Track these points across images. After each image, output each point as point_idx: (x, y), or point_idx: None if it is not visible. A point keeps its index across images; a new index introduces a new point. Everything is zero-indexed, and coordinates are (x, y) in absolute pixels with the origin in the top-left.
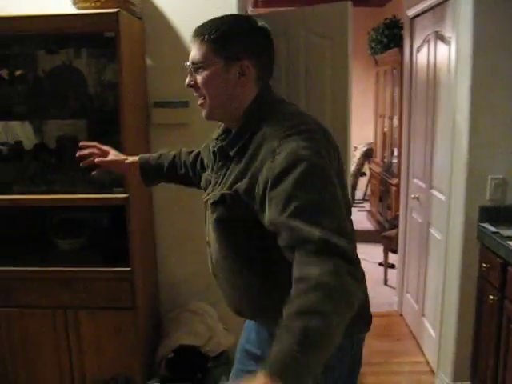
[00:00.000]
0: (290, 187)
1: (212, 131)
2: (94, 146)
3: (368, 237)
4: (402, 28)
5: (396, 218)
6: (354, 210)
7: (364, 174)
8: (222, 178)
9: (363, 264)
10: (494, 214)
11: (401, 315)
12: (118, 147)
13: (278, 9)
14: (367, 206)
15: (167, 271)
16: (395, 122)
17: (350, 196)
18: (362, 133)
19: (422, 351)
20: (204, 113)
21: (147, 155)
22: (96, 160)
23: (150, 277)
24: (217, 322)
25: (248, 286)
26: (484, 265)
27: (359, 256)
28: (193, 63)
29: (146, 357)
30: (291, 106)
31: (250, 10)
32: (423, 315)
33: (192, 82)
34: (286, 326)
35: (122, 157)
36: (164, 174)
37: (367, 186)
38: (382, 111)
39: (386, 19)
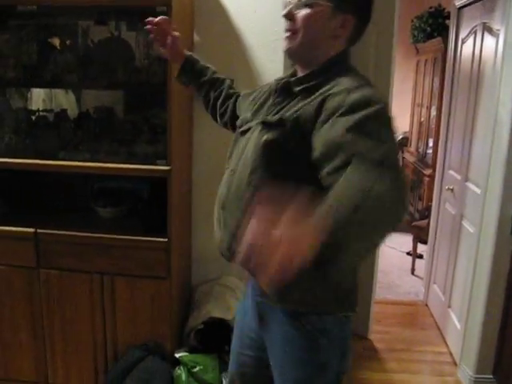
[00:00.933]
0: (360, 118)
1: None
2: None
3: None
4: (446, 17)
5: (427, 208)
6: None
7: None
8: (278, 111)
9: (392, 253)
10: None
11: (426, 305)
12: (163, 120)
13: None
14: None
15: (200, 244)
16: (433, 112)
17: None
18: (398, 122)
19: (446, 342)
20: (288, 46)
21: (197, 58)
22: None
23: (184, 249)
24: None
25: None
26: None
27: (387, 244)
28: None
29: (176, 326)
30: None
31: None
32: (449, 306)
33: (291, 15)
34: (339, 200)
35: (180, 46)
36: (199, 83)
37: None
38: (419, 100)
39: (430, 7)
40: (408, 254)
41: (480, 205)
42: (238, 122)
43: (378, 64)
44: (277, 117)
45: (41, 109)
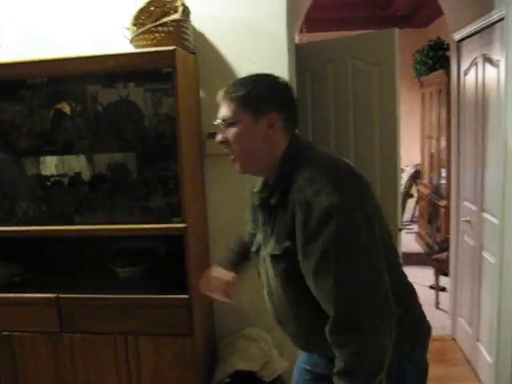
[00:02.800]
0: (322, 252)
1: None
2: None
3: (417, 259)
4: (446, 49)
5: (446, 240)
6: (402, 232)
7: (412, 196)
8: (273, 230)
9: (414, 287)
10: None
11: (454, 339)
12: (175, 177)
13: (321, 33)
14: (415, 227)
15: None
16: (442, 143)
17: (398, 218)
18: (408, 154)
19: (478, 377)
20: (238, 168)
21: (234, 257)
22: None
23: (206, 304)
24: (272, 347)
25: (316, 325)
26: None
27: (409, 279)
28: (223, 120)
29: (203, 382)
30: (319, 151)
31: (298, 39)
32: (478, 340)
33: (223, 139)
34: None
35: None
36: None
37: (415, 207)
38: (428, 132)
39: (430, 40)
40: (431, 287)
41: (498, 235)
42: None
43: (382, 101)
44: (282, 246)
45: (54, 174)
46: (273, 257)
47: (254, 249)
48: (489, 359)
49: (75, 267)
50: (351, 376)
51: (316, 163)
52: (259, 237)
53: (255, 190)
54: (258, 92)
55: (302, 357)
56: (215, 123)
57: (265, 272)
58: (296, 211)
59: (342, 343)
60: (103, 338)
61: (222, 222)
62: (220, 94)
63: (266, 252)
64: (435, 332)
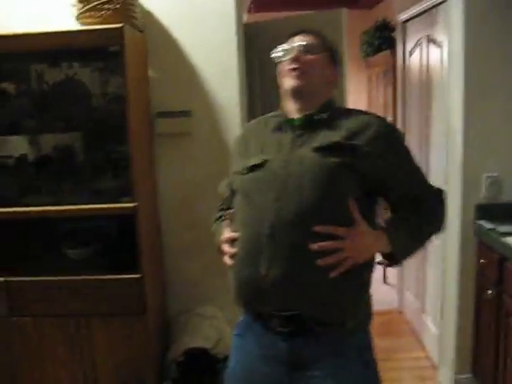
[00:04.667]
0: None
1: (214, 140)
2: None
3: None
4: (392, 30)
5: None
6: None
7: None
8: (308, 142)
9: None
10: (490, 211)
11: (401, 312)
12: (124, 157)
13: (270, 13)
14: None
15: (174, 276)
16: None
17: None
18: None
19: (423, 347)
20: (296, 83)
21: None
22: None
23: (158, 283)
24: (225, 325)
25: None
26: (481, 261)
27: None
28: (306, 45)
29: (156, 360)
30: None
31: (246, 19)
32: (423, 311)
33: (298, 56)
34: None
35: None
36: None
37: None
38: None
39: (376, 22)
40: (379, 263)
41: None
42: (246, 164)
43: None
44: (329, 141)
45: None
46: (325, 149)
47: (253, 163)
48: (433, 330)
49: (25, 251)
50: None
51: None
52: (261, 157)
53: (270, 116)
54: (335, 47)
55: (255, 347)
56: (295, 46)
57: (283, 181)
58: (377, 135)
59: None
60: (55, 321)
61: (172, 201)
62: (301, 31)
63: (311, 147)
64: (383, 306)
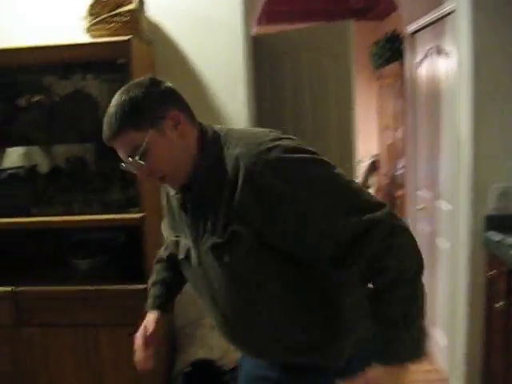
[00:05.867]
0: (310, 200)
1: None
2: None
3: None
4: (402, 42)
5: None
6: None
7: (369, 187)
8: (206, 222)
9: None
10: (499, 222)
11: None
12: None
13: (280, 26)
14: None
15: None
16: (399, 133)
17: None
18: (366, 146)
19: (433, 360)
20: (174, 187)
21: (158, 300)
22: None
23: None
24: None
25: (282, 316)
26: (491, 272)
27: None
28: (131, 156)
29: (163, 372)
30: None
31: (254, 31)
32: (433, 324)
33: (147, 171)
34: (385, 318)
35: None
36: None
37: None
38: (385, 124)
39: (386, 33)
40: None
41: (452, 221)
42: (175, 242)
43: (338, 93)
44: (227, 233)
45: (11, 166)
46: (217, 246)
47: (182, 255)
48: (443, 342)
49: (34, 261)
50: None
51: (245, 134)
52: (185, 241)
53: (172, 194)
54: (139, 105)
55: (249, 365)
56: (125, 168)
57: (204, 276)
58: (243, 188)
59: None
60: (62, 331)
61: None
62: (107, 136)
63: (205, 247)
64: None
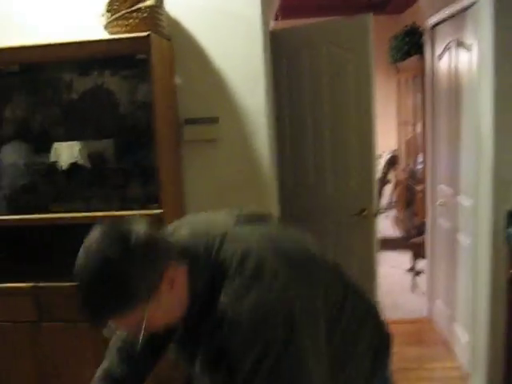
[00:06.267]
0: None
1: (240, 146)
2: None
3: (395, 244)
4: (422, 35)
5: (423, 224)
6: (381, 217)
7: (389, 182)
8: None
9: (392, 272)
10: None
11: (431, 321)
12: (152, 164)
13: (298, 20)
14: (392, 212)
15: None
16: (418, 128)
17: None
18: (385, 140)
19: (454, 356)
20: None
21: None
22: None
23: None
24: None
25: None
26: None
27: (387, 263)
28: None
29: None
30: (233, 248)
31: (272, 25)
32: (454, 320)
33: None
34: None
35: None
36: None
37: (392, 193)
38: (404, 118)
39: (406, 26)
40: (409, 270)
41: (473, 216)
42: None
43: (357, 87)
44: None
45: (31, 162)
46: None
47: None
48: (465, 338)
49: (54, 256)
50: None
51: (234, 268)
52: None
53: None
54: (126, 279)
55: None
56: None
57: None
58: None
59: None
60: (83, 327)
61: (199, 207)
62: (91, 322)
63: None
64: (413, 315)
